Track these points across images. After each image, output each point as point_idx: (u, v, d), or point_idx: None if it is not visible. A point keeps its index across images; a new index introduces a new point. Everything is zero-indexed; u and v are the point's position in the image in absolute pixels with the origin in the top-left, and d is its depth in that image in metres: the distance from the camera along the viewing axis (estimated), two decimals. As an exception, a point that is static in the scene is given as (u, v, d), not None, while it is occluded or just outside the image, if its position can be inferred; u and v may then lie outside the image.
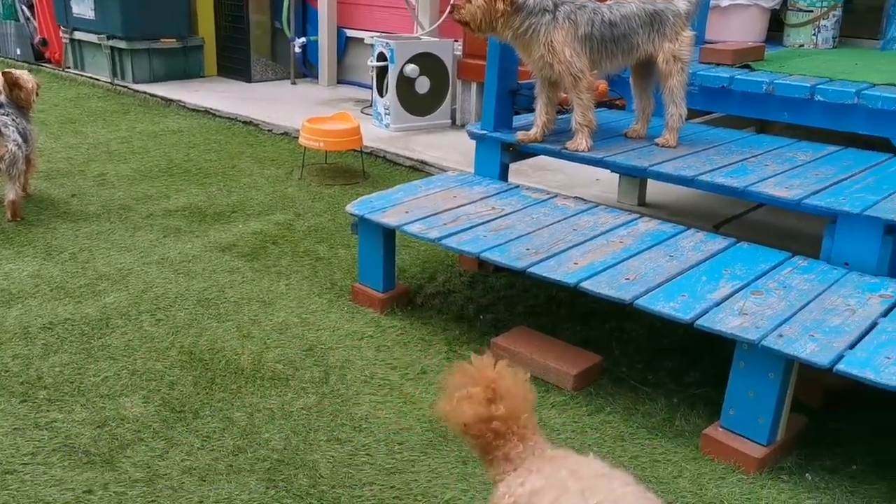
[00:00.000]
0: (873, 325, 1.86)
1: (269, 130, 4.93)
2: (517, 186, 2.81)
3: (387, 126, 4.81)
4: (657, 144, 2.79)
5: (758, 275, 2.12)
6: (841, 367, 1.68)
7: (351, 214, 2.59)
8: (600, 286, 2.04)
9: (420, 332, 2.48)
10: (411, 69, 4.71)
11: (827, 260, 2.22)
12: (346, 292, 2.74)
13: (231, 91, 5.97)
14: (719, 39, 3.89)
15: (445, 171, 4.05)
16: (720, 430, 1.93)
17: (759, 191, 2.33)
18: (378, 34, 5.29)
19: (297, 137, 4.55)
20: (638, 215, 2.54)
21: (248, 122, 5.07)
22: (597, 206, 2.62)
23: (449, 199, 2.69)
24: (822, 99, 2.83)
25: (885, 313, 1.92)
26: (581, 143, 2.68)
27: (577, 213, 2.55)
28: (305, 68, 6.46)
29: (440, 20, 5.16)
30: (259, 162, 4.30)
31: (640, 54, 2.69)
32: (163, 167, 4.15)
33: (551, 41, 2.53)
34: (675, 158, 2.64)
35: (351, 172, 4.15)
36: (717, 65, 3.24)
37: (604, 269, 2.14)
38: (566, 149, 2.71)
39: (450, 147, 4.47)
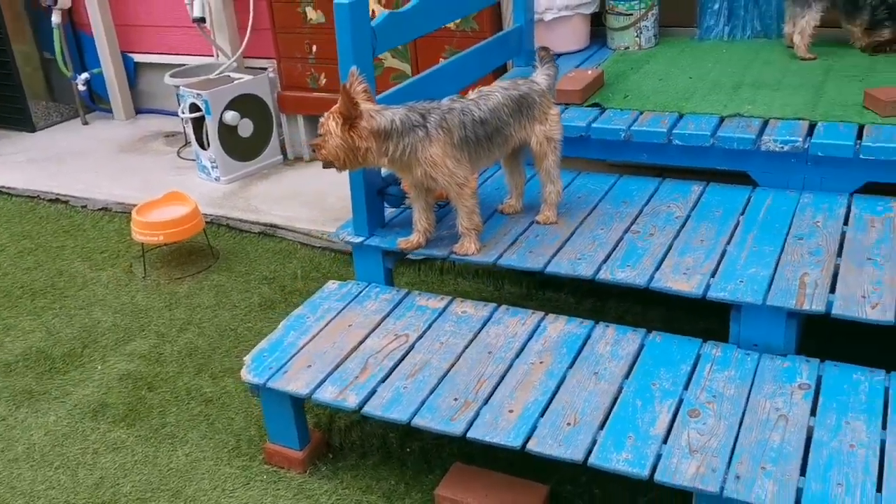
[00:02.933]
0: (810, 436, 1.95)
1: (83, 207, 4.42)
2: (408, 294, 2.69)
3: (217, 179, 4.45)
4: (538, 222, 2.74)
5: (683, 382, 2.16)
6: (806, 511, 1.75)
7: (250, 384, 2.37)
8: (548, 445, 2.00)
9: (355, 494, 2.35)
10: (231, 116, 4.35)
11: (737, 343, 2.30)
12: (256, 449, 2.54)
13: (16, 149, 5.29)
14: (549, 52, 3.87)
15: (298, 232, 3.84)
16: (689, 562, 1.99)
17: (663, 286, 2.35)
18: (178, 71, 4.82)
19: (120, 211, 4.18)
20: (542, 314, 2.50)
21: (54, 200, 4.52)
22: (497, 309, 2.55)
23: (344, 329, 2.52)
24: (679, 143, 2.89)
25: (813, 411, 2.02)
26: (470, 246, 2.58)
27: (484, 326, 2.48)
28: (93, 103, 5.81)
29: (242, 47, 4.77)
30: (88, 258, 3.86)
31: (515, 143, 2.60)
32: (-23, 294, 3.64)
33: (431, 157, 2.38)
34: (564, 245, 2.60)
35: (197, 253, 3.82)
36: (567, 105, 3.21)
37: (540, 414, 2.10)
38: (455, 253, 2.60)
39: (294, 197, 4.22)
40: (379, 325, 2.54)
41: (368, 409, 2.19)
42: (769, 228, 2.59)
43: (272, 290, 3.49)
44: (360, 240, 2.74)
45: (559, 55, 3.87)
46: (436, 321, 2.52)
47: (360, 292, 2.72)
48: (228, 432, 2.64)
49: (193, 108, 4.36)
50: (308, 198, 4.20)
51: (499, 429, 2.07)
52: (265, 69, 4.65)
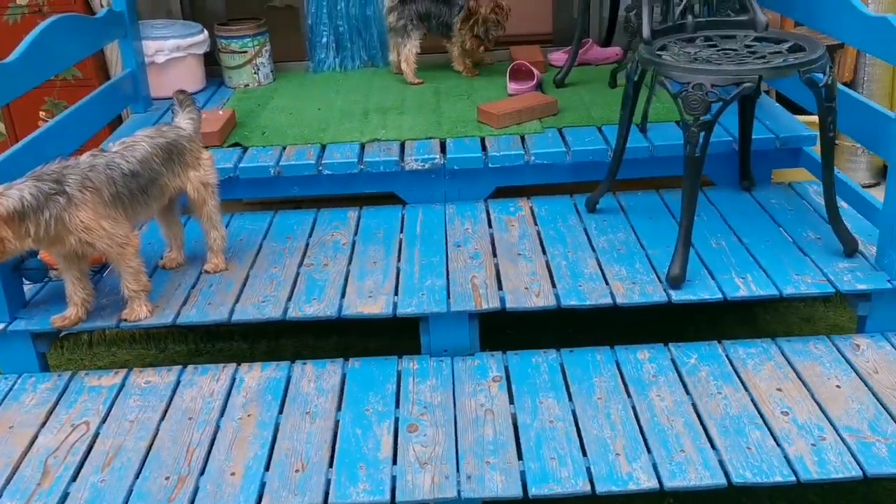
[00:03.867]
0: (516, 424, 2.12)
1: None
2: (73, 376, 2.37)
3: None
4: (207, 271, 2.61)
5: (393, 401, 2.22)
6: (533, 491, 1.91)
7: None
8: (283, 498, 1.91)
9: None
10: None
11: (429, 353, 2.42)
12: None
13: None
14: (166, 95, 3.69)
15: None
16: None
17: (355, 312, 2.39)
18: None
19: None
20: (234, 366, 2.38)
21: None
22: (184, 371, 2.37)
23: (5, 433, 2.15)
24: (329, 172, 2.96)
25: (510, 399, 2.21)
26: (140, 310, 2.37)
27: (175, 392, 2.28)
28: None
29: None
30: None
31: (171, 192, 2.45)
32: None
33: (82, 222, 2.14)
34: (243, 290, 2.51)
35: None
36: (206, 147, 3.09)
37: (265, 468, 2.00)
38: (125, 320, 2.36)
39: None
40: (48, 419, 2.20)
41: (66, 519, 1.90)
42: (429, 241, 2.77)
43: None
44: (0, 327, 2.35)
45: (178, 97, 3.72)
46: (117, 399, 2.27)
47: (12, 387, 2.34)
48: None
49: None
50: None
51: (225, 496, 1.92)
52: None
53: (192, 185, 2.47)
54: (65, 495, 1.95)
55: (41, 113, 3.63)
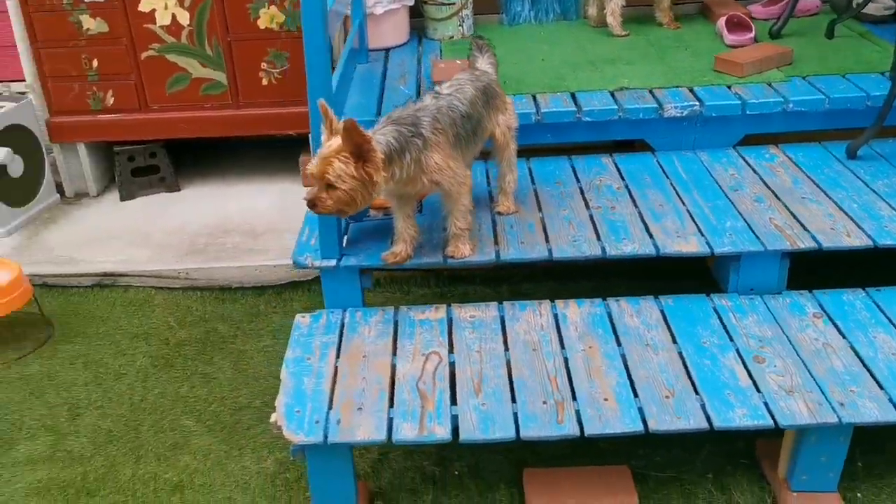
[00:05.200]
0: (860, 357, 2.18)
1: None
2: (397, 311, 2.46)
3: (-8, 234, 3.61)
4: (500, 213, 2.69)
5: (725, 335, 2.29)
6: (912, 417, 1.98)
7: (301, 447, 2.00)
8: (666, 421, 2.00)
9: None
10: (5, 154, 3.54)
11: (736, 291, 2.48)
12: (289, 524, 2.16)
13: None
14: (379, 47, 3.76)
15: (147, 276, 3.29)
16: (795, 495, 2.12)
17: (674, 251, 2.45)
18: None
19: None
20: (549, 302, 2.46)
21: None
22: (501, 306, 2.45)
23: (362, 362, 2.25)
24: (589, 119, 3.01)
25: (844, 335, 2.26)
26: (465, 248, 2.45)
27: (505, 326, 2.37)
28: None
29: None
30: None
31: (486, 134, 2.51)
32: None
33: (436, 163, 2.22)
34: (546, 230, 2.58)
35: (25, 324, 3.08)
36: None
37: (633, 393, 2.08)
38: (452, 257, 2.45)
39: (109, 239, 3.57)
40: (396, 349, 2.30)
41: (466, 436, 1.99)
42: (701, 186, 2.82)
43: (154, 346, 2.95)
44: (332, 262, 2.44)
45: (388, 49, 3.79)
46: (453, 332, 2.36)
47: (345, 320, 2.43)
48: (236, 516, 2.21)
49: (-53, 148, 3.47)
50: (129, 236, 3.59)
51: (609, 419, 2.01)
52: (24, 94, 3.85)
53: (499, 129, 2.54)
54: (454, 417, 2.04)
55: (262, 64, 3.69)
